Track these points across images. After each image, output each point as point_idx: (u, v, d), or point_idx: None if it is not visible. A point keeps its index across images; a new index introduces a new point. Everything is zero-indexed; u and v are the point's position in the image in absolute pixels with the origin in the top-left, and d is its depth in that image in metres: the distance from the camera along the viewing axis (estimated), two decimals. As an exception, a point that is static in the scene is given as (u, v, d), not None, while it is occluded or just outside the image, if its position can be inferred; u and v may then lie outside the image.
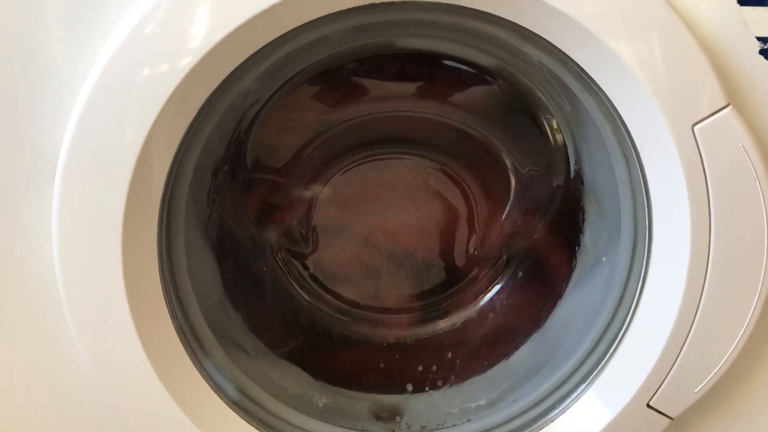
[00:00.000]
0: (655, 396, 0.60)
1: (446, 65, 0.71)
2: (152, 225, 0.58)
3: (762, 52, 0.55)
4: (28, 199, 0.57)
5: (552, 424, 0.65)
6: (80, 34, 0.54)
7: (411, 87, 0.75)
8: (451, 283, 0.82)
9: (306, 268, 0.81)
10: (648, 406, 0.61)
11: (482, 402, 0.72)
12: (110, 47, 0.53)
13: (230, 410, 0.63)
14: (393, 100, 0.76)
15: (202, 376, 0.62)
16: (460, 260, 0.81)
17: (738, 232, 0.56)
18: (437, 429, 0.71)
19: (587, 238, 0.73)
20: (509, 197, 0.78)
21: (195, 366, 0.62)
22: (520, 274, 0.80)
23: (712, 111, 0.54)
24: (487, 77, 0.72)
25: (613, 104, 0.57)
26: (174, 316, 0.61)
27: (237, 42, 0.53)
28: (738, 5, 0.54)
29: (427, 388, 0.75)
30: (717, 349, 0.59)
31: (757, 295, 0.58)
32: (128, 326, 0.56)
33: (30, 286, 0.60)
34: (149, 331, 0.58)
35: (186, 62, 0.52)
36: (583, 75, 0.57)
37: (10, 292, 0.60)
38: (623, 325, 0.63)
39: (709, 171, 0.54)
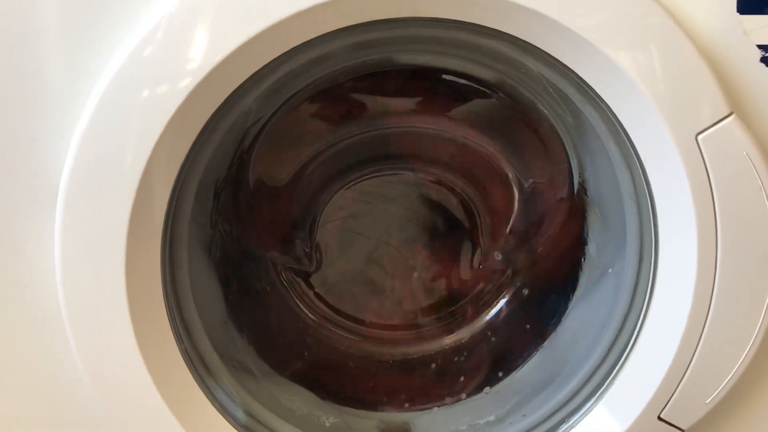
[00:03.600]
0: (666, 408, 0.60)
1: (447, 80, 0.71)
2: (155, 247, 0.58)
3: (763, 59, 0.55)
4: (30, 224, 0.57)
5: (563, 438, 0.65)
6: (80, 58, 0.54)
7: (412, 102, 0.75)
8: (457, 298, 0.81)
9: (310, 286, 0.80)
10: (659, 418, 0.60)
11: (491, 418, 0.71)
12: (110, 70, 0.53)
13: (237, 432, 0.63)
14: (394, 116, 0.76)
15: (209, 400, 0.62)
16: (465, 275, 0.81)
17: (745, 241, 0.56)
18: (446, 446, 0.70)
19: (592, 249, 0.72)
20: (513, 210, 0.78)
21: (201, 389, 0.61)
22: (526, 287, 0.79)
23: (715, 120, 0.54)
24: (488, 91, 0.72)
25: (615, 115, 0.57)
26: (179, 339, 0.61)
27: (237, 62, 0.53)
28: (738, 14, 0.54)
29: (435, 405, 0.75)
30: (727, 359, 0.59)
31: (766, 304, 0.57)
32: (133, 350, 0.56)
33: (33, 310, 0.59)
34: (154, 354, 0.57)
35: (186, 84, 0.52)
36: (585, 87, 0.57)
37: (14, 317, 0.60)
38: (631, 337, 0.63)
39: (714, 180, 0.54)
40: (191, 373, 0.61)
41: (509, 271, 0.80)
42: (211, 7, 0.52)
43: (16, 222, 0.57)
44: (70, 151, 0.54)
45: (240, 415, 0.64)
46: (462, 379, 0.77)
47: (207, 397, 0.61)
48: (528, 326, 0.78)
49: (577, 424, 0.65)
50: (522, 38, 0.55)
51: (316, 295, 0.80)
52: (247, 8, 0.52)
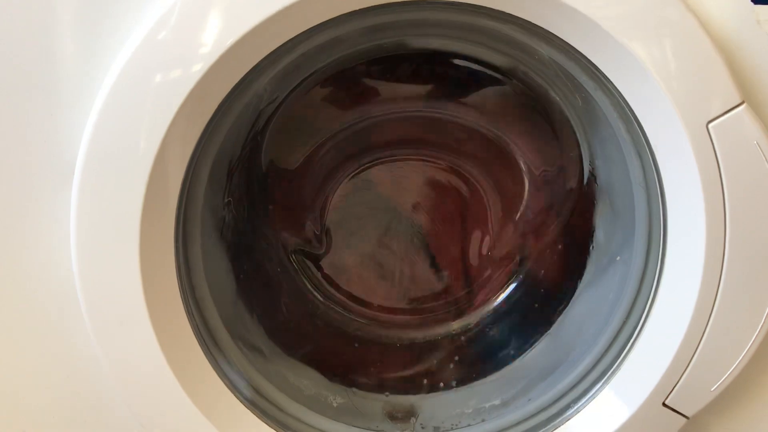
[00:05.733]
0: (671, 395, 0.60)
1: (459, 66, 0.71)
2: (169, 227, 0.59)
3: (776, 50, 0.54)
4: (47, 202, 0.58)
5: (567, 423, 0.65)
6: (97, 40, 0.55)
7: (424, 88, 0.75)
8: (465, 283, 0.82)
9: (320, 269, 0.81)
10: (664, 405, 0.61)
11: (497, 402, 0.72)
12: (125, 53, 0.53)
13: (246, 409, 0.63)
14: (406, 100, 0.76)
15: (219, 376, 0.62)
16: (473, 261, 0.81)
17: (753, 229, 0.56)
18: (452, 429, 0.71)
19: (601, 237, 0.73)
20: (523, 197, 0.78)
21: (211, 366, 0.62)
22: (534, 273, 0.80)
23: (727, 109, 0.54)
24: (501, 77, 0.72)
25: (627, 102, 0.57)
26: (191, 317, 0.61)
27: (251, 45, 0.53)
28: (752, 4, 0.54)
29: (441, 389, 0.76)
30: (733, 347, 0.59)
31: (773, 293, 0.57)
32: (146, 327, 0.57)
33: (48, 288, 0.60)
34: (166, 331, 0.58)
35: (199, 67, 0.52)
36: (597, 73, 0.57)
37: (29, 295, 0.61)
38: (638, 323, 0.63)
39: (724, 168, 0.54)
40: (202, 350, 0.61)
41: (518, 258, 0.80)
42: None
43: (34, 197, 0.58)
44: (85, 130, 0.54)
45: (248, 392, 0.65)
46: (468, 363, 0.78)
47: (217, 373, 0.62)
48: (535, 312, 0.78)
49: (582, 409, 0.65)
50: (537, 24, 0.55)
51: (325, 277, 0.81)
52: (261, -9, 0.52)
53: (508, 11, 0.54)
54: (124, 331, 0.57)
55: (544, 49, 0.59)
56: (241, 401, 0.63)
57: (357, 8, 0.54)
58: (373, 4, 0.54)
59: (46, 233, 0.59)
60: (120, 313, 0.57)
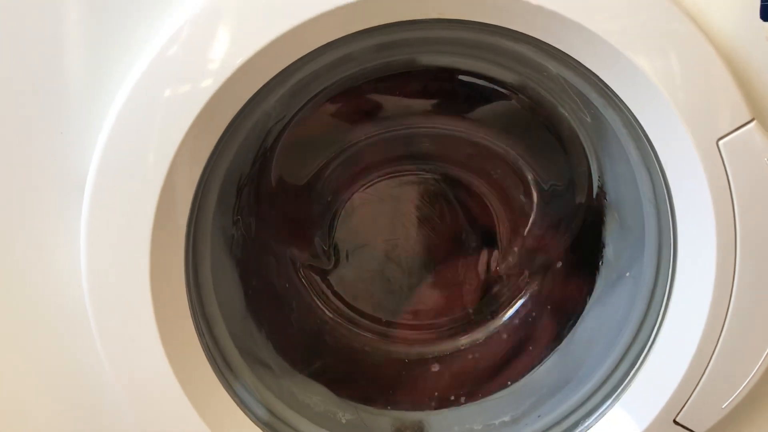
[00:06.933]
0: (682, 412, 0.60)
1: (468, 81, 0.72)
2: (179, 244, 0.59)
3: (785, 67, 0.55)
4: (57, 219, 0.58)
5: (577, 440, 0.65)
6: (108, 56, 0.55)
7: (433, 103, 0.76)
8: (473, 298, 0.82)
9: (328, 284, 0.81)
10: (675, 422, 0.60)
11: (506, 418, 0.72)
12: (136, 69, 0.54)
13: (256, 427, 0.63)
14: (415, 116, 0.76)
15: (228, 393, 0.62)
16: (482, 276, 0.81)
17: (764, 246, 0.56)
18: (461, 446, 0.71)
19: (610, 253, 0.72)
20: (531, 213, 0.78)
21: (221, 383, 0.62)
22: (543, 289, 0.80)
23: (737, 126, 0.54)
24: (509, 93, 0.72)
25: (636, 119, 0.57)
26: (201, 335, 0.62)
27: (261, 63, 0.53)
28: (761, 20, 0.54)
29: (450, 405, 0.75)
30: (744, 364, 0.59)
31: (784, 310, 0.57)
32: (156, 345, 0.57)
33: (58, 305, 0.60)
34: (176, 349, 0.58)
35: (209, 84, 0.53)
36: (607, 90, 0.57)
37: (39, 313, 0.61)
38: (648, 340, 0.63)
39: (735, 186, 0.54)
40: (212, 367, 0.61)
41: (526, 273, 0.80)
42: (236, 8, 0.52)
43: (44, 215, 0.58)
44: (96, 148, 0.54)
45: (258, 409, 0.65)
46: (477, 379, 0.78)
47: (227, 390, 0.62)
48: (544, 328, 0.78)
49: (592, 426, 0.65)
50: (546, 41, 0.55)
51: (334, 293, 0.81)
52: (271, 9, 0.52)
53: (517, 29, 0.55)
54: (134, 348, 0.57)
55: (554, 66, 0.59)
56: (251, 419, 0.63)
57: (369, 26, 0.54)
58: (384, 23, 0.54)
59: (56, 250, 0.59)
60: (130, 330, 0.57)
